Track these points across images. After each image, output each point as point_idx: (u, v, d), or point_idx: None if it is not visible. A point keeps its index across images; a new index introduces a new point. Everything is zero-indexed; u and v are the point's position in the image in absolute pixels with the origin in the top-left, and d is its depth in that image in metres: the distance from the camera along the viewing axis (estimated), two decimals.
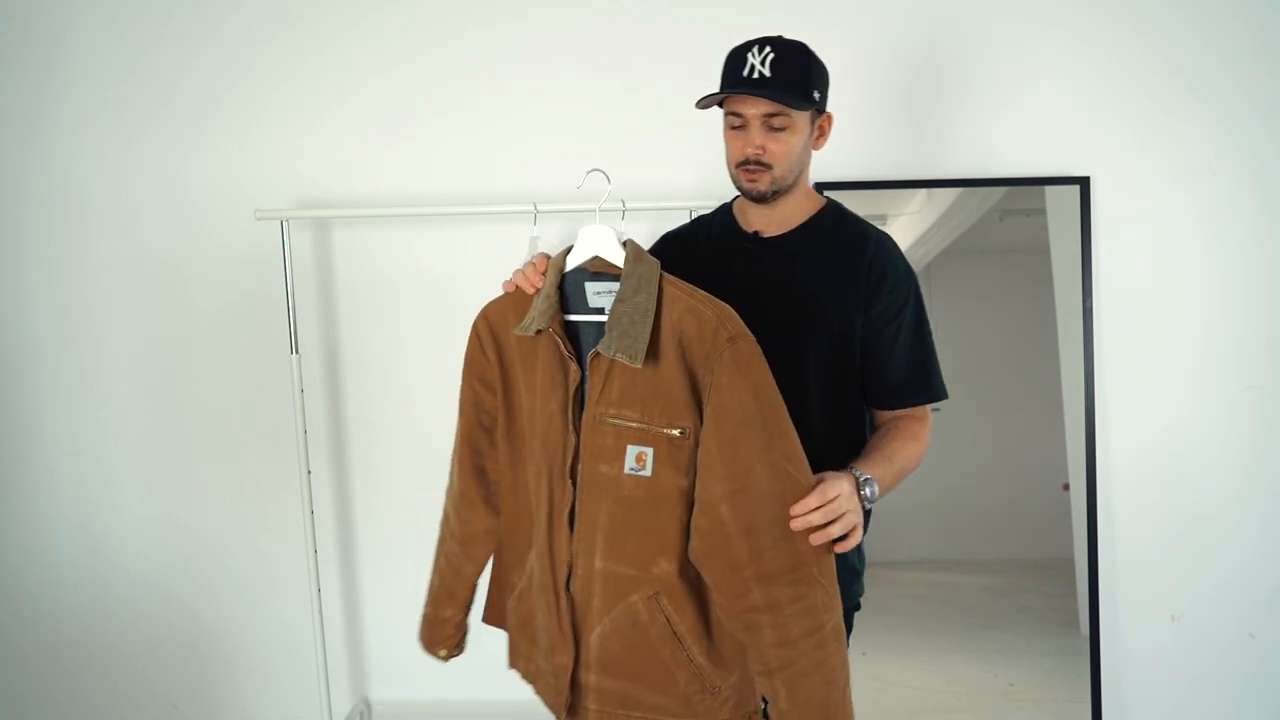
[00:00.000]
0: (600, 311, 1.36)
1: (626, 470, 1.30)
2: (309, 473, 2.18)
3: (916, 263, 1.84)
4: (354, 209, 2.17)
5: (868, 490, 1.35)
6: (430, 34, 2.21)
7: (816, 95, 1.44)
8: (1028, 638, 2.30)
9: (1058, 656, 2.26)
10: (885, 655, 2.22)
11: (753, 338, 1.30)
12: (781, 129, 1.43)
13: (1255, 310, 2.18)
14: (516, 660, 1.55)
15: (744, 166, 1.46)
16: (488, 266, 2.14)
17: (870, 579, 1.63)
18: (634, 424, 1.30)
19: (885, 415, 1.54)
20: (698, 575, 1.33)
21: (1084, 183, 2.16)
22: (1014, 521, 2.35)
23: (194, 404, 2.32)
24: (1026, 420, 2.28)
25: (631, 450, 1.30)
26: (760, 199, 1.48)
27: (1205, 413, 2.20)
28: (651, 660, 1.33)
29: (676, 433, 1.29)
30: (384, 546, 2.35)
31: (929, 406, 1.53)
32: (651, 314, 1.29)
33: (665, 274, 1.35)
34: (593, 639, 1.36)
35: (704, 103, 1.47)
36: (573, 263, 1.39)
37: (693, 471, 1.30)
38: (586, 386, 1.33)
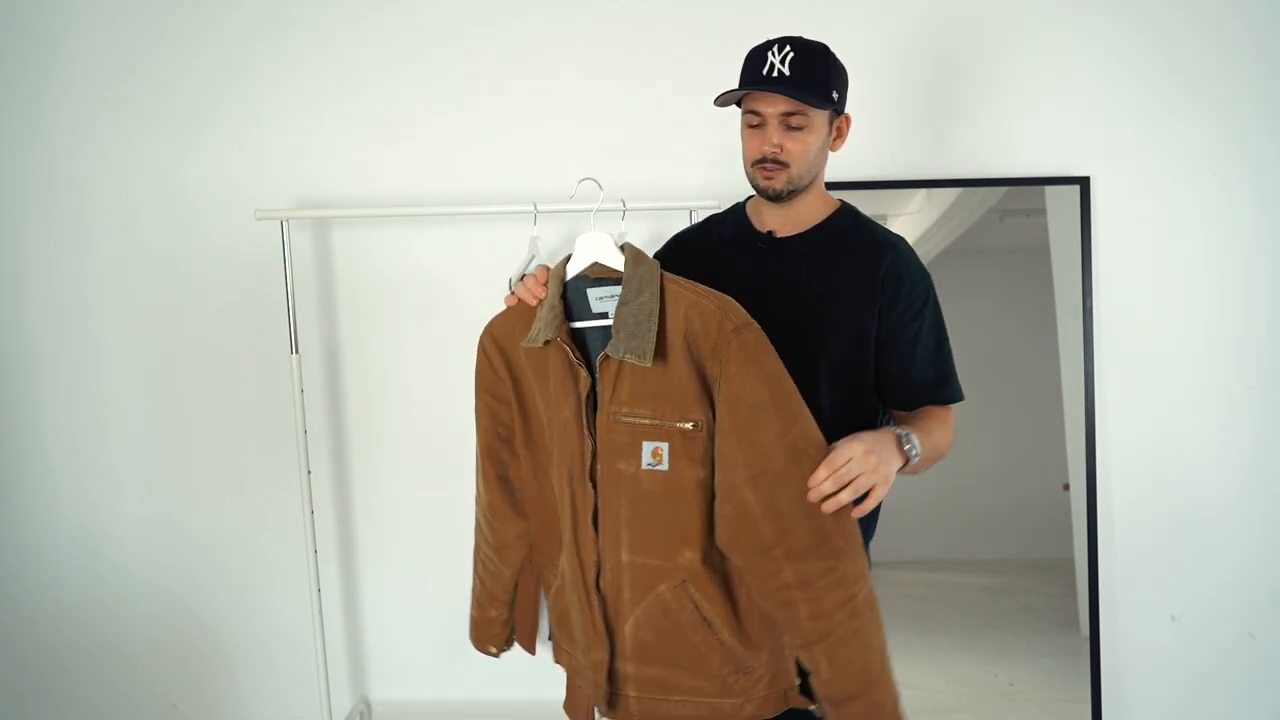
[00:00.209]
0: (604, 316, 1.39)
1: (644, 466, 1.34)
2: (309, 473, 2.18)
3: None
4: (354, 209, 2.17)
5: (908, 446, 1.35)
6: (430, 34, 2.21)
7: (835, 96, 1.44)
8: (1028, 638, 2.30)
9: (1058, 656, 2.26)
10: None
11: (757, 326, 1.32)
12: (799, 128, 1.43)
13: (1255, 310, 2.18)
14: (560, 656, 1.59)
15: (760, 165, 1.46)
16: (488, 266, 2.16)
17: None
18: (647, 420, 1.33)
19: (905, 415, 1.55)
20: (721, 561, 1.37)
21: (1084, 183, 2.16)
22: (1014, 521, 2.34)
23: (194, 404, 2.32)
24: (1026, 420, 2.28)
25: (647, 446, 1.33)
26: (776, 198, 1.48)
27: (1205, 412, 2.20)
28: (684, 646, 1.38)
29: (689, 426, 1.32)
30: (384, 546, 2.35)
31: (951, 406, 1.54)
32: (656, 313, 1.32)
33: (666, 273, 1.37)
34: (627, 631, 1.40)
35: (722, 100, 1.47)
36: (573, 271, 1.42)
37: (708, 463, 1.33)
38: (598, 389, 1.36)
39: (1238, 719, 2.26)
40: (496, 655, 1.73)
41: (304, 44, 2.23)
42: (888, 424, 1.55)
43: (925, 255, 1.59)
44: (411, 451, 2.30)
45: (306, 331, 2.25)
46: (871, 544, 1.61)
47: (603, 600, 1.41)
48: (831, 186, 1.61)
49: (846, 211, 1.57)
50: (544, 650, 1.78)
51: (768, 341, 1.32)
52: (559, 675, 1.68)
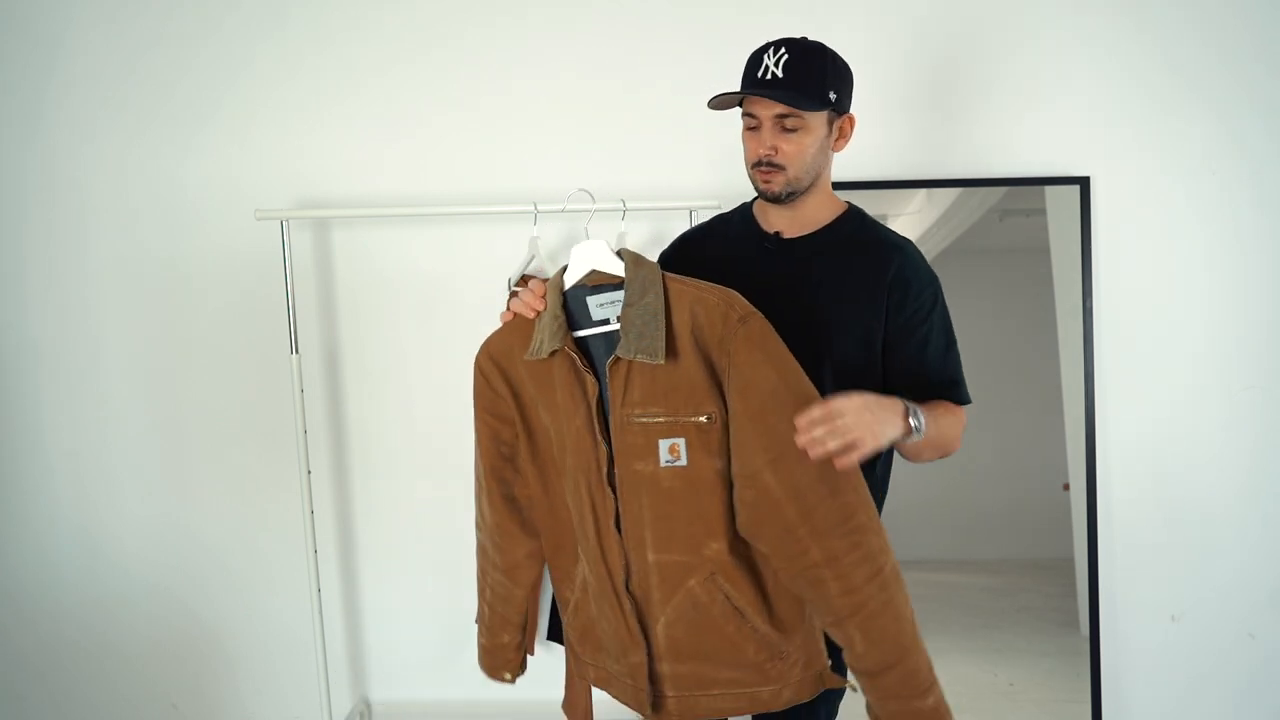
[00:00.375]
0: (606, 323, 1.40)
1: (662, 464, 1.35)
2: (309, 473, 2.18)
3: None
4: (354, 209, 2.17)
5: (914, 419, 1.34)
6: (430, 34, 2.21)
7: (832, 96, 1.43)
8: (1028, 638, 2.30)
9: (1058, 656, 2.26)
10: None
11: (761, 315, 1.34)
12: (794, 129, 1.43)
13: (1255, 310, 2.18)
14: (585, 670, 1.56)
15: (759, 167, 1.47)
16: (488, 266, 2.16)
17: None
18: (661, 419, 1.35)
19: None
20: (747, 550, 1.39)
21: (1084, 183, 2.16)
22: (1014, 521, 2.35)
23: (194, 404, 2.32)
24: (1026, 420, 2.28)
25: (664, 444, 1.35)
26: (776, 200, 1.49)
27: (1205, 412, 2.20)
28: (718, 638, 1.39)
29: (703, 419, 1.34)
30: (384, 546, 2.35)
31: (961, 408, 1.53)
32: (662, 312, 1.34)
33: (666, 273, 1.39)
34: (659, 630, 1.41)
35: (715, 103, 1.47)
36: (570, 280, 1.43)
37: (724, 454, 1.35)
38: (607, 395, 1.37)
39: (1238, 719, 2.26)
40: (512, 681, 1.70)
41: (304, 44, 2.23)
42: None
43: (925, 255, 1.59)
44: (411, 451, 2.30)
45: (306, 331, 2.25)
46: None
47: (634, 602, 1.41)
48: (832, 186, 1.61)
49: (854, 214, 1.56)
50: (543, 650, 1.78)
51: (773, 329, 1.34)
52: (559, 675, 1.68)
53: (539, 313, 1.44)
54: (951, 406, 1.50)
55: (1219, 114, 2.15)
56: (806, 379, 1.34)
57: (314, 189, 2.25)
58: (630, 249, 1.45)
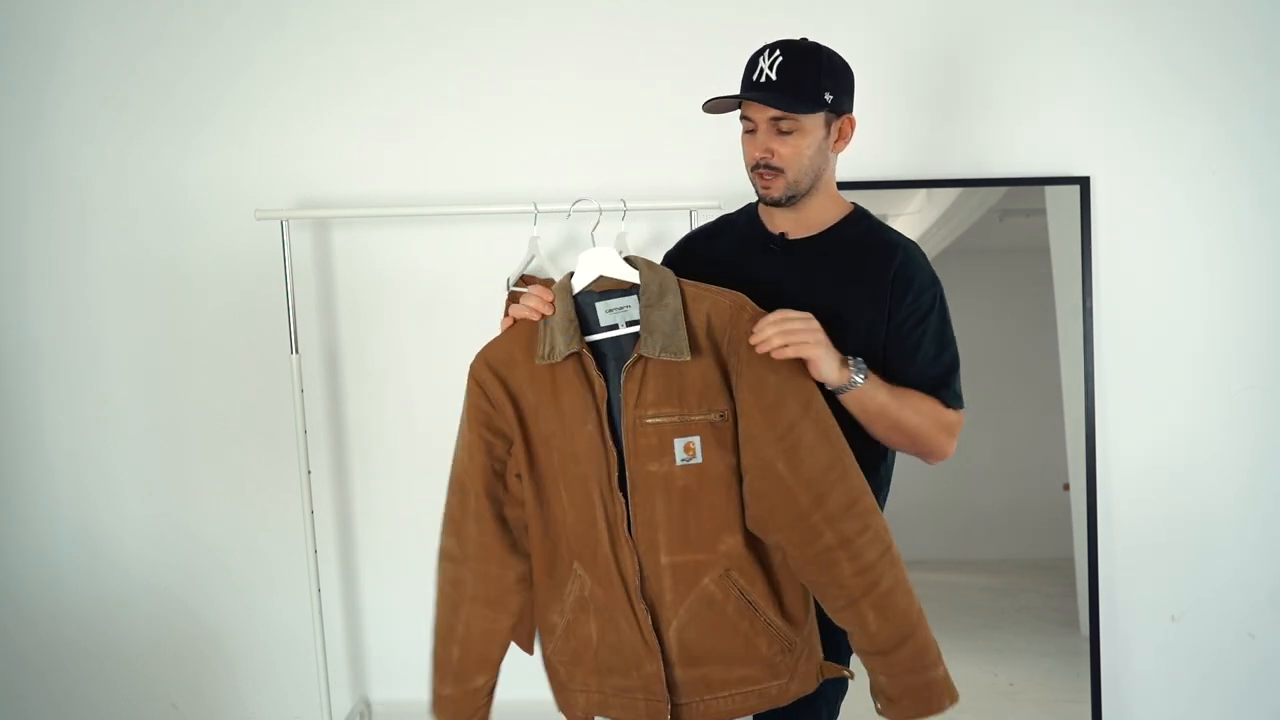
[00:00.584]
0: (614, 329, 1.42)
1: (678, 463, 1.37)
2: (309, 473, 2.18)
3: None
4: (354, 209, 2.17)
5: (854, 369, 1.38)
6: (430, 34, 2.21)
7: (828, 97, 1.42)
8: (1028, 638, 2.30)
9: (1058, 656, 2.26)
10: None
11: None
12: (789, 132, 1.42)
13: (1255, 310, 2.18)
14: (573, 699, 1.50)
15: (757, 170, 1.46)
16: (488, 266, 2.16)
17: None
18: (674, 418, 1.37)
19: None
20: (756, 542, 1.41)
21: (1084, 183, 2.16)
22: (1014, 521, 2.35)
23: (194, 404, 2.32)
24: (1026, 420, 2.28)
25: (679, 442, 1.37)
26: (775, 203, 1.48)
27: (1205, 412, 2.20)
28: (732, 636, 1.40)
29: (716, 417, 1.37)
30: (384, 546, 2.35)
31: (960, 415, 1.51)
32: (682, 312, 1.37)
33: (679, 278, 1.43)
34: (670, 635, 1.41)
35: (708, 107, 1.46)
36: (577, 286, 1.44)
37: (736, 449, 1.38)
38: (618, 398, 1.39)
39: (1238, 719, 2.26)
40: None
41: (304, 44, 2.23)
42: None
43: (925, 255, 1.60)
44: (411, 451, 2.30)
45: (306, 331, 2.25)
46: None
47: (650, 608, 1.40)
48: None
49: (860, 214, 1.56)
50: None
51: None
52: None
53: (544, 316, 1.43)
54: (934, 402, 1.47)
55: (1219, 114, 2.15)
56: (810, 377, 1.38)
57: (314, 189, 2.25)
58: (631, 251, 1.46)
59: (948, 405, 1.49)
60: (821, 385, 1.41)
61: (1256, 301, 2.18)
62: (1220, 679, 2.25)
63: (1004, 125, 2.18)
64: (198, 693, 2.41)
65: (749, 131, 1.47)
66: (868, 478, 1.53)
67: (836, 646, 1.52)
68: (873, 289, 1.47)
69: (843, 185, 2.11)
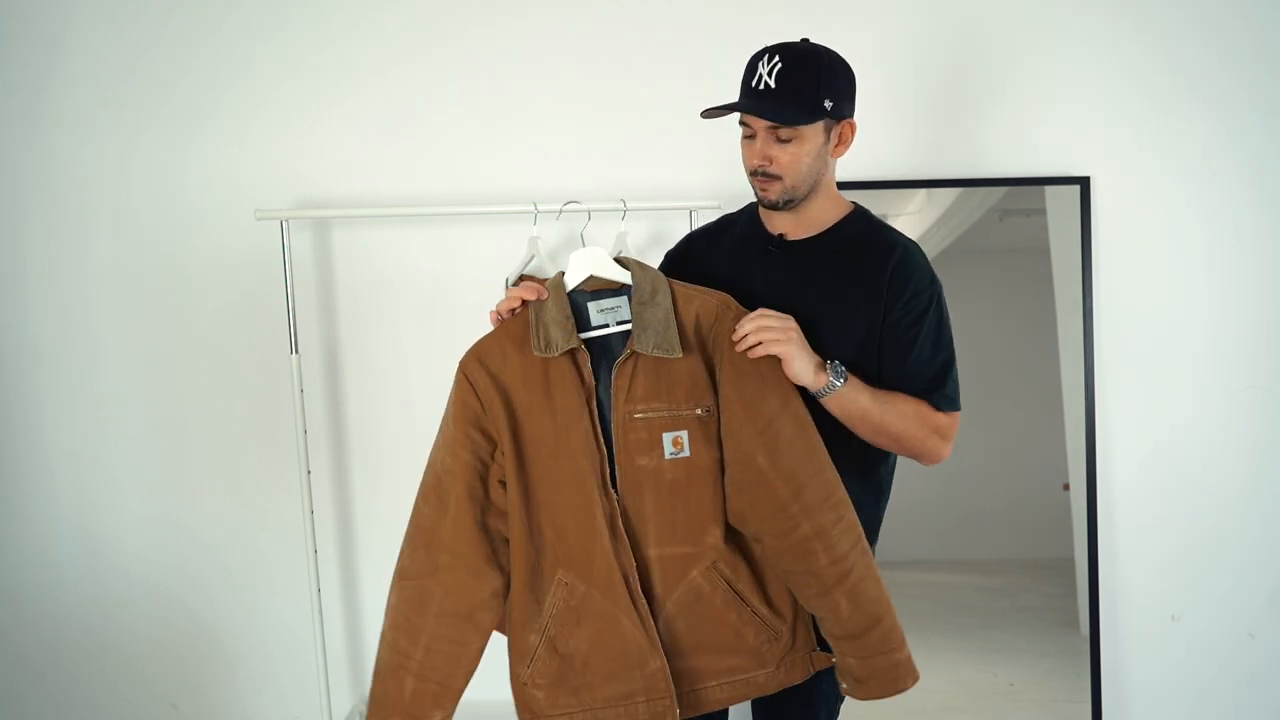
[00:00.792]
0: (604, 328, 1.45)
1: (666, 456, 1.40)
2: (309, 473, 2.18)
3: None
4: (354, 209, 2.17)
5: (831, 372, 1.40)
6: (430, 34, 2.21)
7: (828, 105, 1.41)
8: (1028, 638, 2.30)
9: (1058, 656, 2.26)
10: None
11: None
12: (788, 140, 1.42)
13: (1255, 310, 2.18)
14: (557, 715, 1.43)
15: (755, 176, 1.47)
16: (488, 266, 2.16)
17: None
18: (663, 413, 1.40)
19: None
20: (738, 534, 1.44)
21: (1084, 183, 2.16)
22: (1014, 521, 2.35)
23: (194, 404, 2.32)
24: (1026, 420, 2.29)
25: (667, 436, 1.40)
26: (774, 207, 1.48)
27: (1205, 412, 2.20)
28: (719, 626, 1.43)
29: (702, 411, 1.41)
30: (384, 546, 2.32)
31: (955, 417, 1.50)
32: (673, 311, 1.42)
33: (669, 278, 1.47)
34: (660, 628, 1.42)
35: (707, 115, 1.46)
36: (569, 285, 1.47)
37: (720, 443, 1.42)
38: (606, 396, 1.41)
39: (1238, 719, 2.26)
40: None
41: (304, 44, 2.23)
42: None
43: (925, 255, 1.60)
44: (411, 451, 2.27)
45: (306, 331, 2.25)
46: (875, 546, 1.61)
47: (650, 602, 1.40)
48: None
49: (859, 214, 1.55)
50: None
51: None
52: None
53: (528, 303, 1.45)
54: (922, 405, 1.46)
55: (1219, 114, 2.15)
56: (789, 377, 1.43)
57: (314, 189, 2.25)
58: (632, 252, 1.47)
59: (939, 408, 1.47)
60: (805, 391, 1.43)
61: (1256, 301, 2.18)
62: (1220, 679, 2.25)
63: (1004, 125, 2.18)
64: (198, 693, 2.41)
65: (748, 137, 1.46)
66: (866, 480, 1.54)
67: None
68: (870, 288, 1.47)
69: (843, 185, 2.12)
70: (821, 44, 1.45)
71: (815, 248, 1.52)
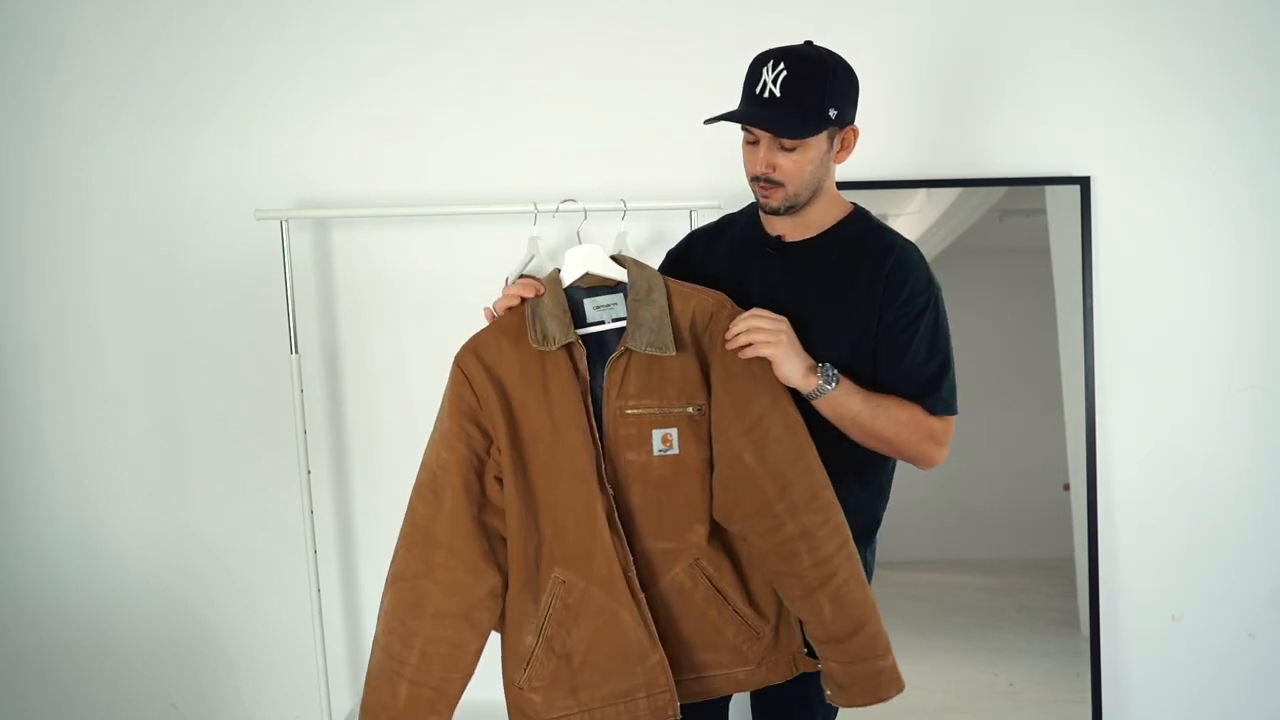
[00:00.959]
0: (600, 324, 1.46)
1: (655, 453, 1.41)
2: (309, 473, 2.18)
3: None
4: (354, 209, 2.17)
5: (821, 375, 1.40)
6: (430, 34, 2.21)
7: (832, 113, 1.40)
8: (1028, 638, 2.30)
9: (1058, 656, 2.26)
10: None
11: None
12: (792, 148, 1.41)
13: (1255, 310, 2.18)
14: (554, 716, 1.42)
15: (757, 182, 1.46)
16: (488, 266, 2.15)
17: (871, 580, 1.63)
18: (654, 410, 1.41)
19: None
20: (723, 533, 1.45)
21: (1084, 183, 2.16)
22: (1014, 521, 2.35)
23: (194, 404, 2.32)
24: (1026, 420, 2.29)
25: (657, 433, 1.41)
26: (774, 212, 1.48)
27: (1205, 412, 2.20)
28: (700, 622, 1.43)
29: (694, 410, 1.42)
30: (384, 546, 2.31)
31: (950, 421, 1.49)
32: (668, 310, 1.42)
33: (665, 277, 1.47)
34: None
35: (711, 122, 1.45)
36: (566, 281, 1.48)
37: (709, 442, 1.42)
38: (600, 391, 1.42)
39: (1238, 719, 2.26)
40: None
41: (304, 44, 2.23)
42: None
43: (925, 255, 1.59)
44: (411, 451, 2.26)
45: (306, 331, 2.25)
46: (875, 545, 1.61)
47: (649, 596, 1.41)
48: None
49: (858, 216, 1.55)
50: None
51: None
52: None
53: (525, 300, 1.46)
54: (915, 409, 1.45)
55: (1219, 114, 2.15)
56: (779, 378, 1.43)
57: (314, 189, 2.25)
58: (632, 251, 1.48)
59: (933, 412, 1.46)
60: (797, 393, 1.43)
61: (1256, 301, 2.18)
62: (1220, 679, 2.25)
63: (1004, 125, 2.18)
64: (198, 693, 2.41)
65: (751, 143, 1.45)
66: (864, 483, 1.54)
67: None
68: (866, 289, 1.47)
69: (843, 185, 2.12)
70: (825, 48, 1.44)
71: (814, 249, 1.52)
